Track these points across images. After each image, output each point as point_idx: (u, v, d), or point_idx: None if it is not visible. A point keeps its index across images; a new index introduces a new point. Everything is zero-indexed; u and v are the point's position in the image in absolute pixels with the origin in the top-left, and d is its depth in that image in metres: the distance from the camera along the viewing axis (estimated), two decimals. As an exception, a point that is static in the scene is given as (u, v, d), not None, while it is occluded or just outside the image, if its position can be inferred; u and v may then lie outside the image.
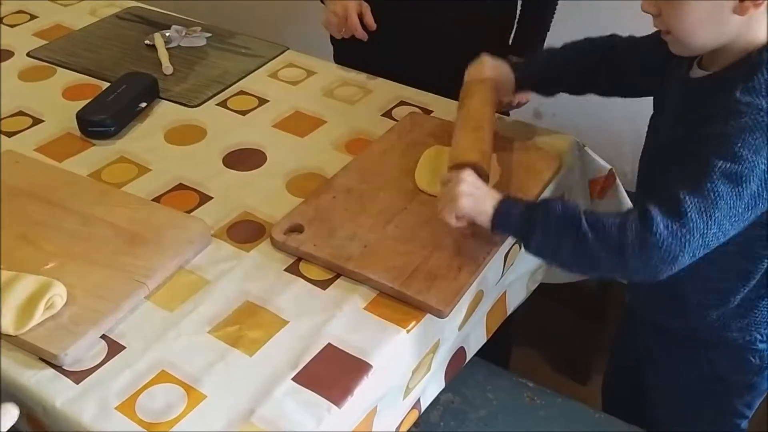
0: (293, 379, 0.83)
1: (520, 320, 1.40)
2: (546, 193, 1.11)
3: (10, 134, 1.21)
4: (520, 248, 1.11)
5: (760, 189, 0.82)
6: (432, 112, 1.27)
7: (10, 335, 0.83)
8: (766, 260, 0.95)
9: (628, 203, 1.24)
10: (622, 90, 1.12)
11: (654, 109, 1.03)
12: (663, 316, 1.08)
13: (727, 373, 1.07)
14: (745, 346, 1.03)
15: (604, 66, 1.08)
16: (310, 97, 1.32)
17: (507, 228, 0.94)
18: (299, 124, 1.25)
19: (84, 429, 0.78)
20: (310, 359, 0.85)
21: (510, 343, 1.58)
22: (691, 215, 0.81)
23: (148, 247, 0.96)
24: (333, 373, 0.84)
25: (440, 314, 0.90)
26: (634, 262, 0.84)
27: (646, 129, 1.04)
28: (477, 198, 0.92)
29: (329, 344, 0.87)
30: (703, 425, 1.13)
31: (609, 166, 1.23)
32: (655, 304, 1.08)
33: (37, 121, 1.24)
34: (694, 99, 0.91)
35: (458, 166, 0.97)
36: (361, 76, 1.37)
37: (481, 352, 1.13)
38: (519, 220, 0.90)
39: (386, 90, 1.33)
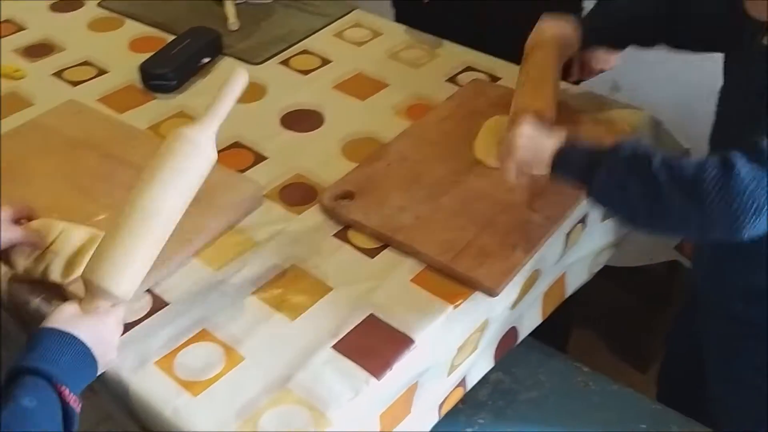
0: (333, 347, 0.81)
1: (580, 302, 1.35)
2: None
3: (74, 83, 1.22)
4: (584, 228, 1.06)
5: None
6: (500, 79, 1.22)
7: (57, 283, 0.83)
8: None
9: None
10: (691, 43, 1.03)
11: (724, 77, 0.95)
12: (736, 303, 1.01)
13: None
14: None
15: (675, 16, 1.00)
16: (374, 59, 1.28)
17: (568, 168, 0.85)
18: (361, 86, 1.21)
19: (122, 381, 0.78)
20: (351, 328, 0.83)
21: (569, 325, 1.53)
22: None
23: (199, 205, 0.94)
24: (374, 345, 0.82)
25: (491, 292, 0.86)
26: (713, 210, 0.75)
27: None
28: (536, 144, 0.85)
29: (372, 315, 0.85)
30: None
31: (686, 146, 1.15)
32: (729, 289, 1.01)
33: (101, 72, 1.25)
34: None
35: (518, 115, 0.90)
36: (428, 39, 1.32)
37: (537, 333, 1.09)
38: (582, 159, 0.82)
39: (453, 55, 1.28)
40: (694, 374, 1.14)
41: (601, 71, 1.20)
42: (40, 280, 0.85)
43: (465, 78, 1.22)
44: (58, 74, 1.24)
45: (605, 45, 1.09)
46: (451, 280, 0.88)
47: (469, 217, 0.93)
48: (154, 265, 0.79)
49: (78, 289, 0.81)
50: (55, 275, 0.83)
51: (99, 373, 0.75)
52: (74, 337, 0.71)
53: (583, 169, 0.82)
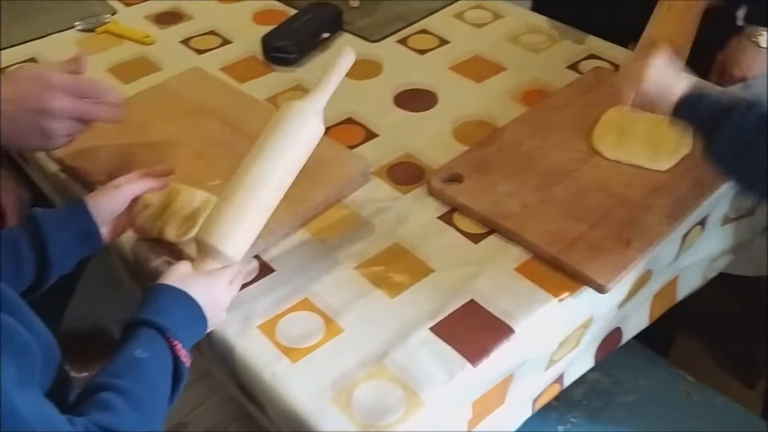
0: (431, 329, 0.81)
1: (687, 307, 1.29)
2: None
3: (200, 51, 1.26)
4: (702, 230, 1.00)
5: None
6: (623, 69, 1.16)
7: (171, 241, 0.87)
8: None
9: None
10: None
11: None
12: None
13: None
14: None
15: None
16: (493, 41, 1.25)
17: (694, 115, 0.79)
18: (477, 68, 1.19)
19: (227, 342, 0.81)
20: (450, 312, 0.82)
21: (674, 330, 1.46)
22: None
23: (309, 177, 0.96)
24: (472, 331, 0.81)
25: (601, 289, 0.83)
26: None
27: None
28: (665, 82, 0.80)
29: (472, 300, 0.84)
30: None
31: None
32: None
33: (225, 42, 1.28)
34: None
35: (653, 44, 0.85)
36: (550, 24, 1.28)
37: (640, 336, 1.05)
38: (711, 108, 0.77)
39: (576, 41, 1.24)
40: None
41: (743, 80, 1.08)
42: (155, 239, 0.89)
43: (586, 65, 1.18)
44: (185, 42, 1.28)
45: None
46: (558, 273, 0.85)
47: (582, 209, 0.90)
48: (262, 232, 0.82)
49: (191, 249, 0.84)
50: (170, 234, 0.87)
51: (207, 332, 0.77)
52: (187, 294, 0.74)
53: (711, 118, 0.77)
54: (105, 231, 0.84)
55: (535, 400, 0.93)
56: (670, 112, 0.80)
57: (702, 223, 0.99)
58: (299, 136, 0.82)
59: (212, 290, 0.77)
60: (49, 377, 0.65)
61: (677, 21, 0.93)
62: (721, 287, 1.17)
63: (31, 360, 0.59)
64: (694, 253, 1.02)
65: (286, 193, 0.87)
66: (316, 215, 0.94)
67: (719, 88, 0.80)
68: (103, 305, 1.42)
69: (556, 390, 0.96)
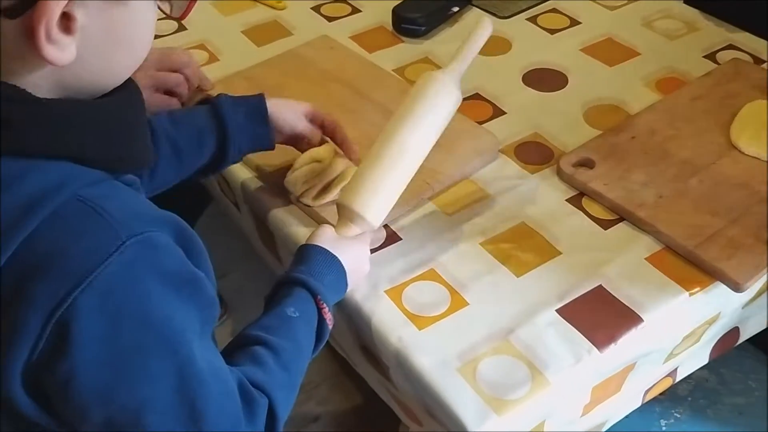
0: (558, 310, 0.81)
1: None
2: None
3: (330, 19, 1.28)
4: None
5: None
6: (765, 62, 1.12)
7: (308, 206, 0.90)
8: None
9: None
10: None
11: None
12: None
13: None
14: None
15: None
16: (627, 25, 1.23)
17: None
18: (609, 52, 1.17)
19: (355, 304, 0.83)
20: (578, 296, 0.82)
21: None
22: None
23: (440, 150, 0.97)
24: (600, 316, 0.80)
25: (738, 287, 0.81)
26: None
27: None
28: None
29: (600, 286, 0.83)
30: None
31: None
32: None
33: (355, 11, 1.30)
34: None
35: None
36: (689, 11, 1.24)
37: (753, 337, 1.02)
38: None
39: (715, 30, 1.20)
40: None
41: None
42: (292, 202, 0.92)
43: (725, 56, 1.14)
44: (317, 8, 1.30)
45: None
46: (691, 267, 0.84)
47: (720, 204, 0.88)
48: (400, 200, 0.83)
49: (326, 214, 0.87)
50: (309, 199, 0.90)
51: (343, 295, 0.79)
52: (338, 259, 0.76)
53: None
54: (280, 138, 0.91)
55: (646, 392, 0.92)
56: None
57: None
58: (440, 105, 0.83)
59: (358, 256, 0.79)
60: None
61: None
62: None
63: (213, 312, 0.61)
64: (828, 257, 0.98)
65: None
66: (445, 189, 0.96)
67: None
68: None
69: (668, 383, 0.95)
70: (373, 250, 0.88)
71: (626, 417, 0.93)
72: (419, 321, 0.81)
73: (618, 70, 1.14)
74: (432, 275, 0.86)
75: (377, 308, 0.82)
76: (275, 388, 0.65)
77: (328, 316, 0.73)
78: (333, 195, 0.88)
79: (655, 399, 1.01)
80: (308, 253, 0.76)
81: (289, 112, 0.91)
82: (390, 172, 0.80)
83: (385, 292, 0.84)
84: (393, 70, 1.16)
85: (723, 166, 0.93)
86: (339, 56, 1.17)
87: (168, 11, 0.63)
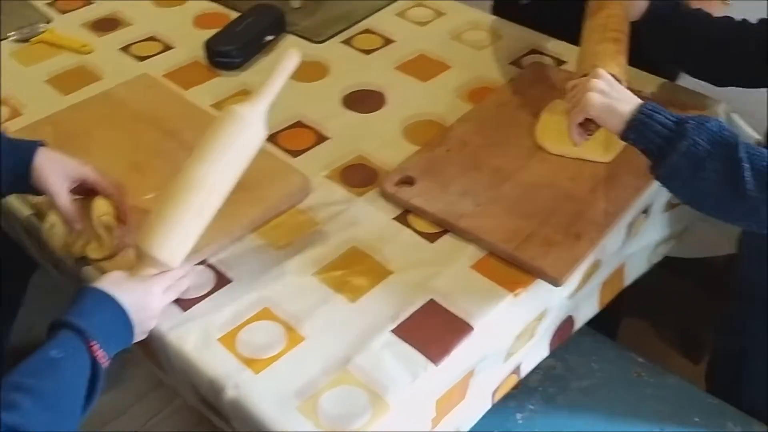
0: (393, 331, 0.82)
1: (633, 289, 1.33)
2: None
3: (141, 58, 1.24)
4: (646, 218, 1.04)
5: None
6: (565, 63, 1.19)
7: (95, 259, 0.86)
8: None
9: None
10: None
11: None
12: None
13: None
14: None
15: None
16: (437, 39, 1.27)
17: (643, 135, 0.79)
18: (422, 67, 1.21)
19: (185, 356, 0.80)
20: (411, 313, 0.84)
21: (620, 312, 1.51)
22: None
23: (244, 192, 0.89)
24: (433, 330, 0.82)
25: (555, 282, 0.86)
26: None
27: None
28: (612, 97, 0.81)
29: (432, 300, 0.85)
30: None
31: (758, 136, 1.11)
32: None
33: (167, 47, 1.26)
34: None
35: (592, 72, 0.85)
36: (492, 20, 1.30)
37: (590, 320, 1.08)
38: (661, 130, 0.77)
39: (518, 37, 1.26)
40: (740, 369, 1.11)
41: None
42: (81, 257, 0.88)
43: (529, 61, 1.20)
44: (125, 49, 1.26)
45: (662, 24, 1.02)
46: (513, 268, 0.87)
47: (532, 205, 0.93)
48: (206, 240, 0.81)
49: (114, 265, 0.84)
50: (94, 253, 0.86)
51: (136, 340, 0.77)
52: (113, 298, 0.74)
53: (660, 139, 0.78)
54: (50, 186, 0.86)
55: (494, 393, 0.95)
56: (620, 131, 0.81)
57: (646, 211, 1.03)
58: (236, 141, 0.82)
59: (144, 296, 0.77)
60: None
61: (614, 57, 0.94)
62: (662, 267, 1.21)
63: None
64: (640, 240, 1.06)
65: (219, 210, 0.84)
66: (267, 222, 0.94)
67: (667, 111, 0.79)
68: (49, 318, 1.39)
69: (513, 381, 0.98)
70: (202, 296, 0.85)
71: (483, 418, 0.95)
72: (255, 364, 0.79)
73: (431, 84, 1.17)
74: (266, 314, 0.84)
75: (211, 359, 0.80)
76: (35, 428, 0.63)
77: (101, 354, 0.71)
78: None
79: (509, 394, 1.04)
80: (80, 295, 0.74)
81: (53, 176, 0.86)
82: (181, 209, 0.79)
83: (218, 340, 0.82)
84: (211, 105, 1.14)
85: (531, 168, 0.98)
86: (153, 96, 1.14)
87: None
